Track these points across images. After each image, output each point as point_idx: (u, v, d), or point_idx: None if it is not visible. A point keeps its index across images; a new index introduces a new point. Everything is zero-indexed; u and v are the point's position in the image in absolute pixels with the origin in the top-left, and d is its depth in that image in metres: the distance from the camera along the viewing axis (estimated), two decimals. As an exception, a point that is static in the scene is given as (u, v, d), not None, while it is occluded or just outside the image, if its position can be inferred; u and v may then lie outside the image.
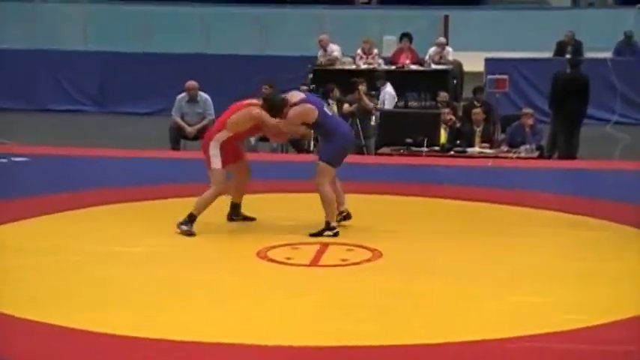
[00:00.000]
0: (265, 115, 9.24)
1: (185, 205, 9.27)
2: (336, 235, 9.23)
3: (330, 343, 6.35)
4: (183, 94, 15.93)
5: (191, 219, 9.13)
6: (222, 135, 9.25)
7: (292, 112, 9.32)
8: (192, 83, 15.94)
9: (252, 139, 15.94)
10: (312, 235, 9.20)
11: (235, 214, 9.71)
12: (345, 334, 6.51)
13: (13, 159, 13.65)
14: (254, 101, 9.42)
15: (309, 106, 9.35)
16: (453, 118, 15.65)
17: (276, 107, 9.29)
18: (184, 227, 9.10)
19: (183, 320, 6.80)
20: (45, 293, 7.38)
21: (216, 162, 9.19)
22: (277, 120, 9.30)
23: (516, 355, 6.24)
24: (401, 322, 6.84)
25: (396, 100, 17.21)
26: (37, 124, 19.58)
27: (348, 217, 9.64)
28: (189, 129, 15.58)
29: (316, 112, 9.33)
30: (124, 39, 23.04)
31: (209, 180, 9.28)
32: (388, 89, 17.09)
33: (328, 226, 9.26)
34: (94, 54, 22.32)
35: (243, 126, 9.29)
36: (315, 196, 9.30)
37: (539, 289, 7.66)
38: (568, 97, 15.42)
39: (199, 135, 15.59)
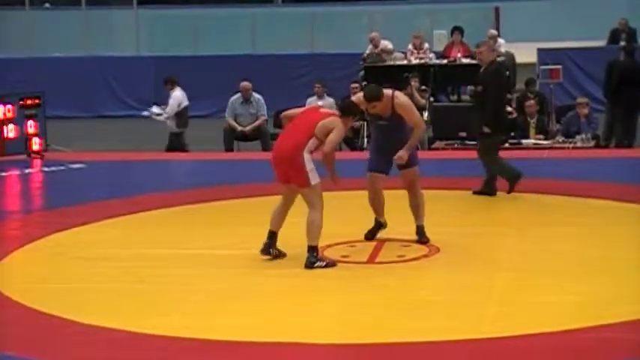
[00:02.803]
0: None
1: (243, 206, 9.17)
2: None
3: (398, 339, 6.31)
4: (236, 96, 16.00)
5: (316, 251, 8.20)
6: (313, 143, 8.22)
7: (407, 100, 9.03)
8: (246, 84, 15.98)
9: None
10: (419, 241, 8.84)
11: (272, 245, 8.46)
12: (412, 331, 6.47)
13: (69, 166, 13.79)
14: (327, 109, 8.70)
15: None
16: (509, 108, 15.51)
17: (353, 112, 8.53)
18: (320, 263, 8.14)
19: (245, 321, 6.81)
20: (111, 300, 7.42)
21: (315, 176, 8.20)
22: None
23: (591, 345, 6.16)
24: (468, 317, 6.78)
25: (183, 103, 15.79)
26: (92, 130, 19.75)
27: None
28: (239, 128, 15.64)
29: None
30: (175, 43, 23.15)
31: (308, 198, 8.22)
32: (177, 93, 15.97)
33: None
34: (146, 59, 22.47)
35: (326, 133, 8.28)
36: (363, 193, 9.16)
37: (602, 280, 7.57)
38: (624, 85, 15.24)
39: (253, 135, 15.75)
